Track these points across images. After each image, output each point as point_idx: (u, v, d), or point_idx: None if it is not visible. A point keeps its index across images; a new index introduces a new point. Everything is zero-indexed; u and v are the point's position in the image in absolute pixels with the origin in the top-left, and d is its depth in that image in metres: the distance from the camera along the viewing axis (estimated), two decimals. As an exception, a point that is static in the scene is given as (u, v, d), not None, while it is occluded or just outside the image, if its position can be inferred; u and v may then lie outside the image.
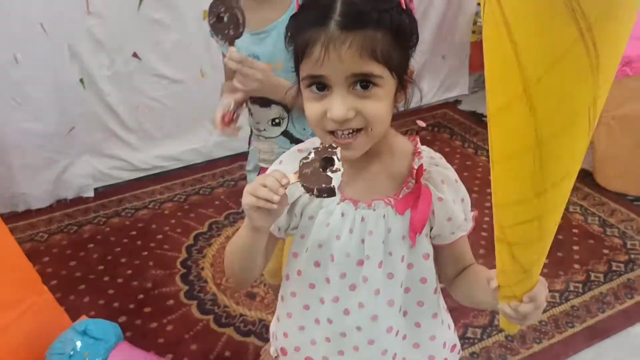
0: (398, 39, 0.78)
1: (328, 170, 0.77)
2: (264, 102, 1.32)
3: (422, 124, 3.18)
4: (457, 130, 3.14)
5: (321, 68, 0.76)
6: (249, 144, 1.49)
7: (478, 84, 3.60)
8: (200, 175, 2.76)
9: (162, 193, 2.65)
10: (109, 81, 2.51)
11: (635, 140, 2.41)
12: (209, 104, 2.73)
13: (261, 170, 1.42)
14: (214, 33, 1.19)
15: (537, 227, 0.71)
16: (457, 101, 3.50)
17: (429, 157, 0.91)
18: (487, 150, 2.88)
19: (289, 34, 0.83)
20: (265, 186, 0.77)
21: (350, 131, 0.80)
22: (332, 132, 0.80)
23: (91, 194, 2.60)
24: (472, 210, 0.95)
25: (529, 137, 0.62)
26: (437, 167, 0.90)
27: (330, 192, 0.77)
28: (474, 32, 3.41)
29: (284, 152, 1.25)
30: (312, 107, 0.81)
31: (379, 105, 0.79)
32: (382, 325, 0.93)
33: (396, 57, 0.78)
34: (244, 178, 2.70)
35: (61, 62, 2.37)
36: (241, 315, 1.96)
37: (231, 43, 1.17)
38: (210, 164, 2.82)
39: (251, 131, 1.45)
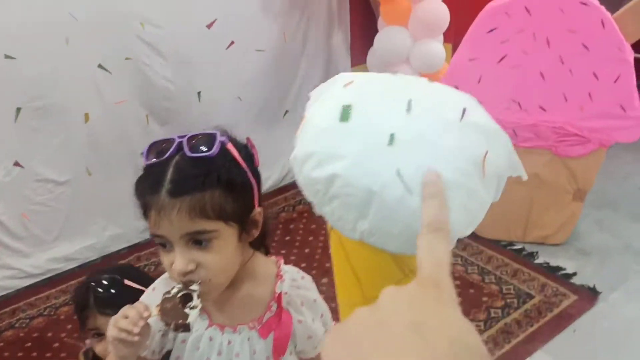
0: (231, 192, 0.88)
1: (187, 306, 0.86)
2: None
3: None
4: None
5: (159, 229, 0.87)
6: None
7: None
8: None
9: (57, 297, 2.61)
10: (-8, 193, 2.49)
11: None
12: (99, 199, 2.79)
13: None
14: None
15: None
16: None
17: (291, 279, 1.01)
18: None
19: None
20: (126, 317, 0.85)
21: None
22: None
23: (-18, 307, 2.54)
24: (332, 321, 1.05)
25: None
26: (298, 289, 1.00)
27: (186, 328, 0.86)
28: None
29: None
30: (163, 259, 0.91)
31: (218, 257, 0.88)
32: None
33: (231, 208, 0.88)
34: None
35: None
36: (143, 416, 1.97)
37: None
38: (107, 259, 2.83)
39: None
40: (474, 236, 2.79)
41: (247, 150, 0.94)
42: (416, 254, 0.60)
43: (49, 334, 2.38)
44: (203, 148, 0.88)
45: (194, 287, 0.88)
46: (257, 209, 0.94)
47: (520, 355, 2.10)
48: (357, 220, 0.59)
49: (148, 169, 0.90)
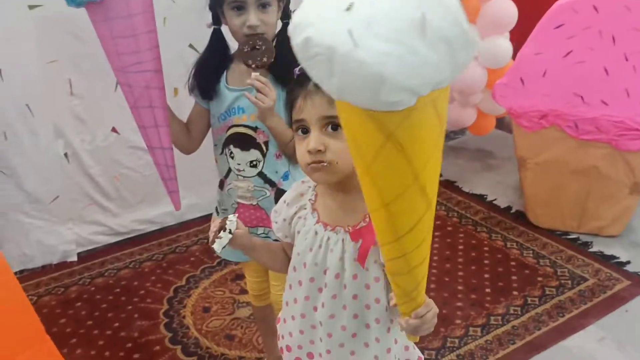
0: None
1: (220, 233, 1.16)
2: (245, 147, 1.61)
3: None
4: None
5: (302, 113, 1.10)
6: (221, 186, 1.74)
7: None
8: (175, 235, 3.00)
9: (140, 254, 2.87)
10: (90, 155, 2.76)
11: (555, 181, 2.78)
12: (181, 170, 3.02)
13: (239, 206, 1.69)
14: (244, 59, 1.48)
15: (404, 262, 0.96)
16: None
17: None
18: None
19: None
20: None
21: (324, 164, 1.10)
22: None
23: (75, 258, 2.80)
24: None
25: (377, 201, 0.88)
26: None
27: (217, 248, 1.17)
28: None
29: (259, 190, 1.57)
30: (298, 147, 1.13)
31: (342, 144, 1.08)
32: (337, 323, 1.19)
33: None
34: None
35: (46, 138, 2.63)
36: (222, 354, 2.18)
37: (261, 67, 1.48)
38: (184, 225, 3.07)
39: (226, 175, 1.70)
40: (529, 225, 2.93)
41: None
42: (386, 111, 0.75)
43: (135, 283, 2.62)
44: None
45: (229, 223, 1.16)
46: None
47: (574, 328, 2.23)
48: (330, 78, 0.74)
49: (297, 78, 1.14)
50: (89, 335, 2.31)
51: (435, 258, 2.70)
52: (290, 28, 0.78)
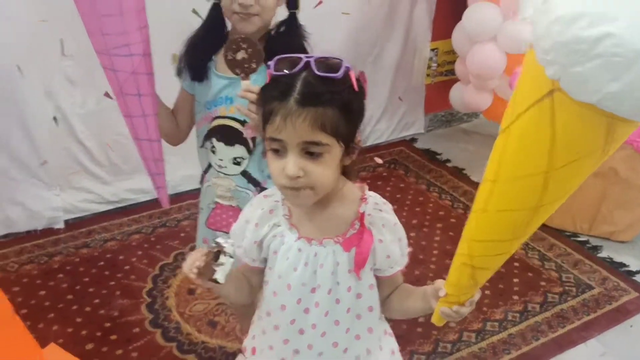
0: (347, 114, 0.96)
1: (217, 263, 0.96)
2: (229, 141, 1.47)
3: (379, 160, 3.37)
4: (412, 167, 3.34)
5: (280, 134, 0.94)
6: (201, 182, 1.62)
7: (433, 124, 3.83)
8: (167, 207, 2.89)
9: (129, 225, 2.76)
10: (81, 119, 2.64)
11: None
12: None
13: (216, 206, 1.56)
14: (231, 68, 1.30)
15: (501, 260, 0.94)
16: (413, 139, 3.71)
17: (374, 203, 1.08)
18: (439, 187, 3.08)
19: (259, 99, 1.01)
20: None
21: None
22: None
23: (61, 225, 2.70)
24: (408, 247, 1.12)
25: (531, 202, 0.82)
26: (380, 212, 1.08)
27: (216, 282, 0.96)
28: (428, 75, 3.65)
29: (241, 190, 1.43)
30: (273, 164, 0.98)
31: (324, 170, 0.96)
32: (329, 341, 1.10)
33: (344, 129, 0.96)
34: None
35: (36, 100, 2.50)
36: (203, 342, 2.09)
37: (248, 76, 1.31)
38: (177, 197, 2.94)
39: (206, 170, 1.57)
40: (537, 222, 2.78)
41: (359, 82, 0.99)
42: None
43: (121, 257, 2.52)
44: (330, 69, 0.95)
45: (228, 246, 0.97)
46: (358, 138, 1.02)
47: (574, 341, 2.11)
48: (609, 82, 0.63)
49: (276, 79, 0.96)
50: (67, 310, 2.22)
51: (436, 252, 2.58)
52: (565, 15, 0.65)
